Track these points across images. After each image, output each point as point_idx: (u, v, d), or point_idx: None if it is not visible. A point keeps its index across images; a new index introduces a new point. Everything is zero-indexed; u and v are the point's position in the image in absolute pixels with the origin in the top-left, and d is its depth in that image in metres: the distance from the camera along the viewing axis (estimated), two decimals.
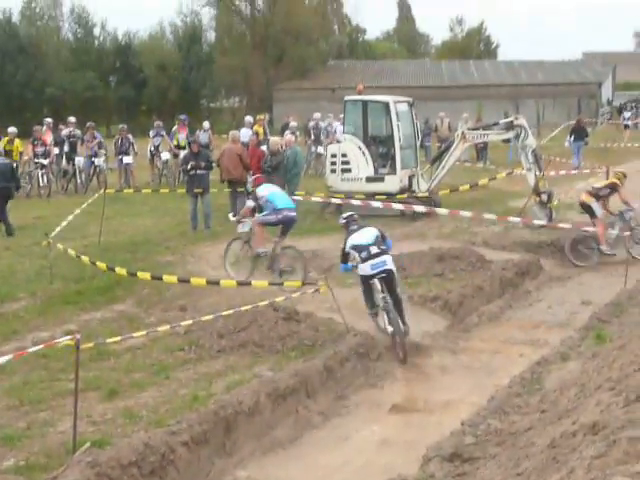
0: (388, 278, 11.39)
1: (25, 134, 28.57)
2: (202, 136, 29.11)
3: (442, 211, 18.41)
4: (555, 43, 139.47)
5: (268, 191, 15.02)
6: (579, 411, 6.48)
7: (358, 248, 11.58)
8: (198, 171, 19.81)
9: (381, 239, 11.82)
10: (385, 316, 11.25)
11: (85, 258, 13.47)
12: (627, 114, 51.00)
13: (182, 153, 25.47)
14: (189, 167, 19.80)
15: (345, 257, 12.05)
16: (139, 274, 12.18)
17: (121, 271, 12.50)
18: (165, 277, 12.13)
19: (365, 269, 11.38)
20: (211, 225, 19.99)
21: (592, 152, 32.21)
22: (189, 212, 19.99)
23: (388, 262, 11.45)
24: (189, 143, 24.93)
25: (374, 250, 11.45)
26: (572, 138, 32.22)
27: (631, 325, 11.18)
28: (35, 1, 64.97)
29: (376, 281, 11.33)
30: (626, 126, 47.00)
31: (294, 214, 14.97)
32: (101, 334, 11.15)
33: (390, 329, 11.09)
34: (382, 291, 11.30)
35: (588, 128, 35.06)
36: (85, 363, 9.44)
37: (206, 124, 31.03)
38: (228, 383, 9.44)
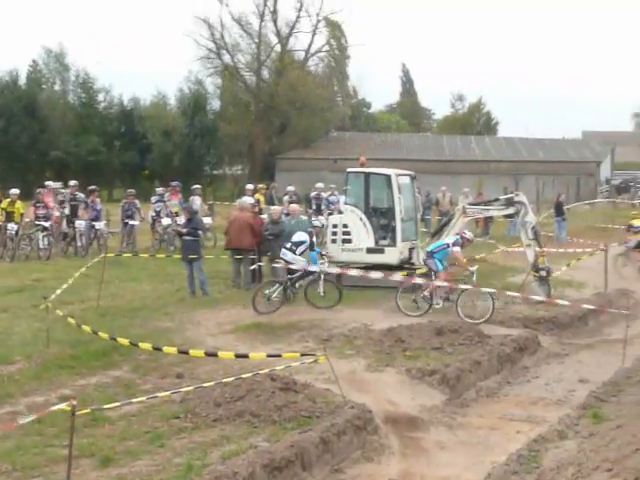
0: None
1: (27, 196, 28.75)
2: (196, 201, 29.52)
3: (442, 283, 18.36)
4: (554, 122, 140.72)
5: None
6: None
7: None
8: (187, 237, 19.98)
9: None
10: None
11: (87, 327, 13.41)
12: None
13: (178, 219, 25.76)
14: (178, 234, 20.14)
15: None
16: (140, 345, 12.13)
17: (123, 340, 12.45)
18: (165, 349, 12.07)
19: None
20: (208, 291, 20.01)
21: (591, 231, 32.37)
22: (186, 278, 20.11)
23: None
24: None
25: None
26: (554, 213, 32.95)
27: (629, 405, 11.14)
28: (41, 64, 65.92)
29: None
30: None
31: None
32: (96, 400, 11.08)
33: None
34: None
35: (586, 206, 35.55)
36: (79, 429, 9.38)
37: (197, 188, 31.39)
38: (223, 453, 9.33)
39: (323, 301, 18.83)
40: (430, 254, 18.28)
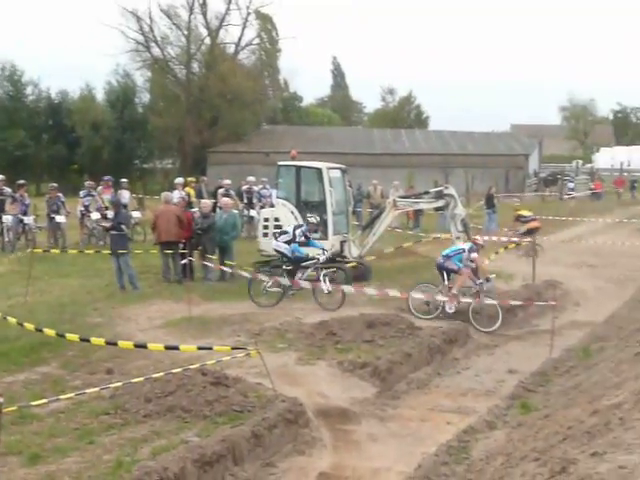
0: None
1: None
2: (124, 195, 29.36)
3: (370, 291, 18.30)
4: (484, 115, 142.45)
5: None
6: None
7: None
8: (113, 232, 19.82)
9: None
10: None
11: (12, 319, 13.20)
12: (571, 185, 52.45)
13: (108, 214, 25.50)
14: (104, 228, 19.97)
15: None
16: (67, 336, 11.97)
17: (49, 332, 12.27)
18: (93, 339, 11.94)
19: None
20: (138, 285, 19.83)
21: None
22: (114, 272, 19.92)
23: None
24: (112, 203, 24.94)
25: None
26: (485, 206, 33.52)
27: (556, 395, 11.33)
28: None
29: None
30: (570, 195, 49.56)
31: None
32: (24, 397, 10.93)
33: None
34: None
35: (515, 199, 36.13)
36: (7, 426, 9.23)
37: (124, 182, 31.18)
38: (154, 449, 9.26)
39: (329, 302, 18.25)
40: (446, 257, 17.92)
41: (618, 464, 5.05)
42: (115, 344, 11.84)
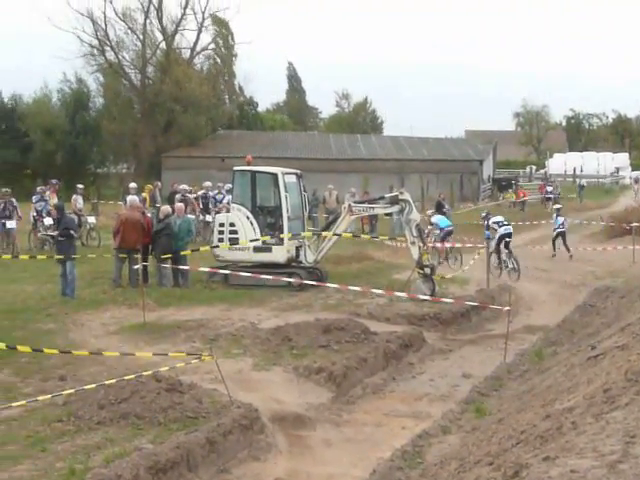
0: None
1: None
2: (79, 200, 29.25)
3: (332, 285, 18.50)
4: (438, 122, 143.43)
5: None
6: None
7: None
8: (60, 237, 19.53)
9: None
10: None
11: None
12: (549, 188, 52.75)
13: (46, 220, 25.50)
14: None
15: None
16: (19, 347, 11.80)
17: None
18: (46, 350, 11.78)
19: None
20: (72, 293, 19.45)
21: (473, 228, 32.92)
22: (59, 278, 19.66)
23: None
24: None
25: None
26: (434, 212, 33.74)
27: (510, 399, 11.41)
28: None
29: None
30: (548, 199, 50.28)
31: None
32: None
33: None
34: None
35: (469, 203, 36.48)
36: None
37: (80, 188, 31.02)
38: (107, 456, 9.17)
39: None
40: None
41: (570, 468, 5.09)
42: (69, 352, 11.73)
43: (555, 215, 30.25)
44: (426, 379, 14.21)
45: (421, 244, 20.27)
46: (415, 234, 20.34)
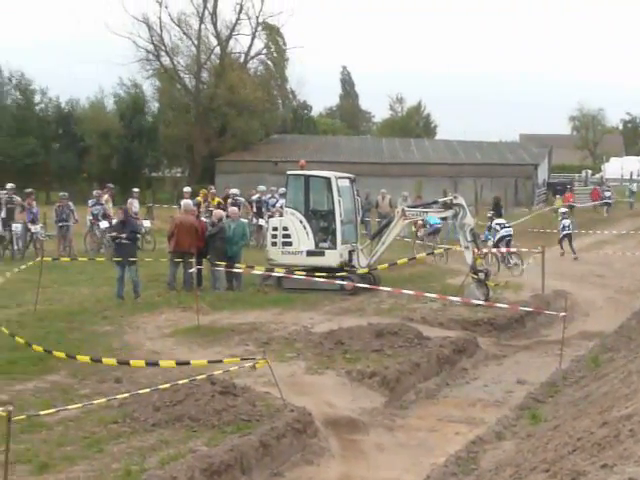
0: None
1: None
2: (134, 204, 29.50)
3: (385, 289, 18.49)
4: (492, 126, 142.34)
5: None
6: None
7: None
8: (125, 241, 19.72)
9: None
10: None
11: (20, 339, 13.17)
12: (607, 193, 51.97)
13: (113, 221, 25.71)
14: (109, 237, 19.74)
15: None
16: (78, 357, 11.96)
17: (59, 354, 12.24)
18: (105, 360, 11.91)
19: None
20: (140, 293, 19.78)
21: (529, 235, 32.74)
22: (116, 280, 19.88)
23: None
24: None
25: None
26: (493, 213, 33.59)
27: (565, 405, 11.29)
28: None
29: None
30: (606, 204, 50.18)
31: None
32: (34, 405, 10.92)
33: None
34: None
35: (524, 209, 36.29)
36: (16, 435, 9.20)
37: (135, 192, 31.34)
38: (162, 458, 9.25)
39: None
40: None
41: (628, 476, 5.03)
42: (127, 363, 11.83)
43: (561, 219, 31.94)
44: (480, 385, 14.12)
45: (475, 249, 20.16)
46: (469, 239, 20.24)
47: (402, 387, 13.23)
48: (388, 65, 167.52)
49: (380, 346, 15.04)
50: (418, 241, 29.44)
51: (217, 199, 30.23)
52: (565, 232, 30.81)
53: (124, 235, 19.68)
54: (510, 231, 27.36)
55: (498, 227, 27.18)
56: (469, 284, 20.18)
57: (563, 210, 34.06)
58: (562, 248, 30.59)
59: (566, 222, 31.16)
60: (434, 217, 27.15)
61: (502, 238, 26.80)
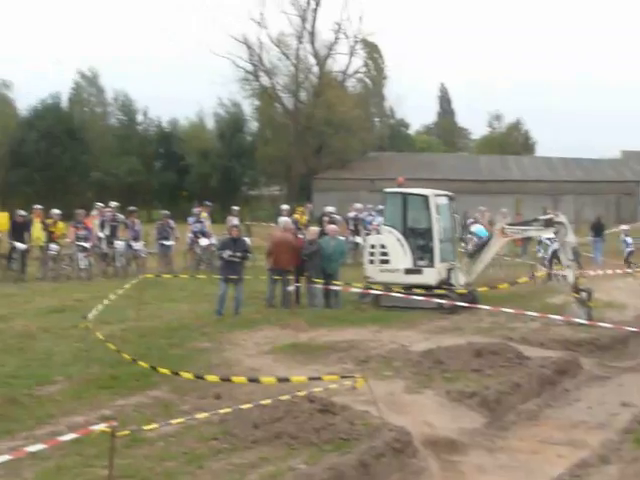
0: None
1: (68, 217, 29.02)
2: (234, 222, 29.86)
3: (484, 307, 18.31)
4: (593, 141, 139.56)
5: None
6: None
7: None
8: (235, 259, 19.93)
9: None
10: None
11: (126, 355, 13.46)
12: None
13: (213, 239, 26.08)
14: (227, 255, 19.89)
15: None
16: (182, 374, 12.17)
17: (164, 371, 12.48)
18: (208, 377, 12.10)
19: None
20: (241, 311, 20.03)
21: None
22: (217, 297, 20.09)
23: None
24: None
25: None
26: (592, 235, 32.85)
27: None
28: (81, 87, 66.69)
29: None
30: None
31: None
32: (136, 420, 11.10)
33: None
34: None
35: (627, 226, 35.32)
36: (118, 450, 9.36)
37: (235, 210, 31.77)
38: (262, 475, 9.29)
39: None
40: None
41: None
42: (229, 380, 11.98)
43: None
44: (583, 406, 13.79)
45: (577, 268, 19.80)
46: (571, 257, 19.88)
47: (502, 408, 13.02)
48: (485, 79, 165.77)
49: (479, 366, 14.85)
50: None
51: (305, 217, 30.43)
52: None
53: (239, 253, 19.95)
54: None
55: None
56: (570, 303, 19.80)
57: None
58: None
59: None
60: (482, 229, 27.02)
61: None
